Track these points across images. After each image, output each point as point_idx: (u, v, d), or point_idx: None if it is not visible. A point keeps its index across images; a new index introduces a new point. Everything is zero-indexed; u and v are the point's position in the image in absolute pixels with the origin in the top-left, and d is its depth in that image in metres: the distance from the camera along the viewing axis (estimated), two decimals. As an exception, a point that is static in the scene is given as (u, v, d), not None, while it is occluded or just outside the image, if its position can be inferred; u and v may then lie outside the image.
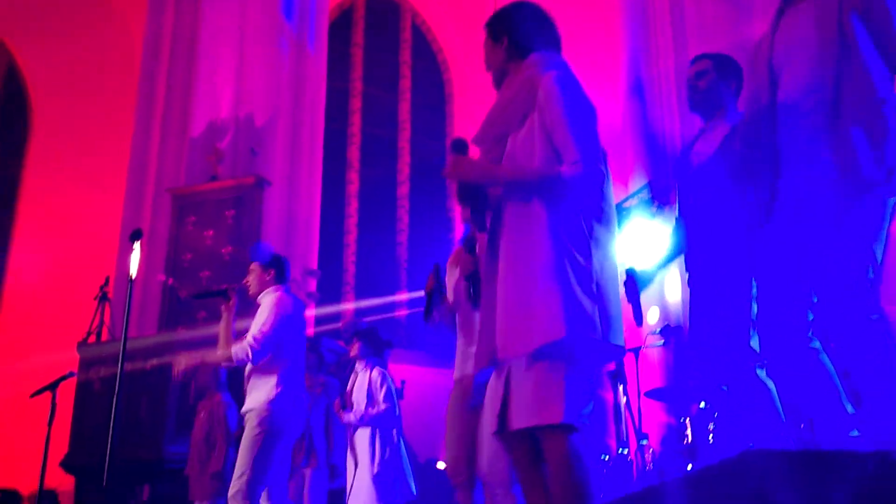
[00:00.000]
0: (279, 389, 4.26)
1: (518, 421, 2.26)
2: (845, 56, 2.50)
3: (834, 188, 2.46)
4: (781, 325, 2.58)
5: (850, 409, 2.48)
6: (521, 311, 2.26)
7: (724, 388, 5.36)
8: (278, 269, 4.49)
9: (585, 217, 2.30)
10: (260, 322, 4.29)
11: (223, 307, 4.46)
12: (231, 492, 4.13)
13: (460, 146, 2.45)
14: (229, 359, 4.36)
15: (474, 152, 2.50)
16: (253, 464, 4.14)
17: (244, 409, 4.35)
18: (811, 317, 2.55)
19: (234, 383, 5.64)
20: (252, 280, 4.50)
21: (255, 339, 4.24)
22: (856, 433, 2.44)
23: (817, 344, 2.54)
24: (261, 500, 4.27)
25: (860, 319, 2.40)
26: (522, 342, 2.24)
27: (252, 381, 4.34)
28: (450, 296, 3.57)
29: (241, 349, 4.26)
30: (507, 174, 2.39)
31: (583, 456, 2.18)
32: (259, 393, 4.28)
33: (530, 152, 2.33)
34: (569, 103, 2.31)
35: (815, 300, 2.53)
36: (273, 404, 4.23)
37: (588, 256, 2.26)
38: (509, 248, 2.35)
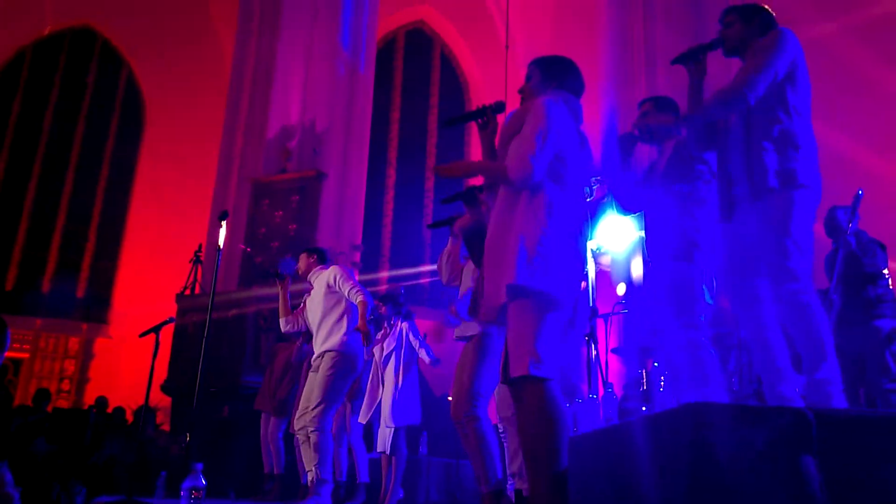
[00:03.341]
0: (347, 337, 4.34)
1: (510, 371, 2.17)
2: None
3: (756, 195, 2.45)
4: (739, 302, 2.54)
5: (792, 372, 2.45)
6: (496, 271, 2.18)
7: (655, 363, 5.32)
8: (319, 255, 4.65)
9: (545, 199, 2.21)
10: (351, 284, 4.37)
11: (279, 284, 4.68)
12: (310, 416, 4.21)
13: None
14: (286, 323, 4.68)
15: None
16: (327, 395, 4.23)
17: (322, 348, 4.37)
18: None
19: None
20: (301, 264, 4.67)
21: (361, 292, 4.31)
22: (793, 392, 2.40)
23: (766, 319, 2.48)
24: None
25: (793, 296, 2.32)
26: (497, 297, 2.16)
27: (328, 327, 4.39)
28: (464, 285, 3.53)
29: (363, 300, 4.27)
30: (478, 166, 2.42)
31: (556, 400, 2.03)
32: (334, 338, 4.34)
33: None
34: (533, 119, 2.26)
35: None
36: (344, 347, 4.31)
37: (544, 227, 2.16)
38: (492, 224, 2.31)
